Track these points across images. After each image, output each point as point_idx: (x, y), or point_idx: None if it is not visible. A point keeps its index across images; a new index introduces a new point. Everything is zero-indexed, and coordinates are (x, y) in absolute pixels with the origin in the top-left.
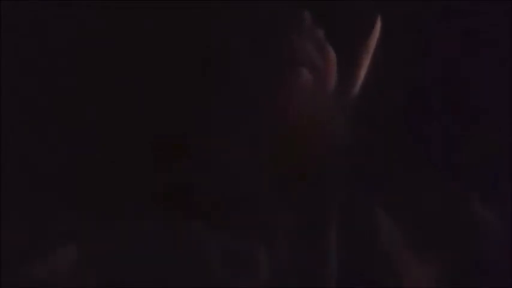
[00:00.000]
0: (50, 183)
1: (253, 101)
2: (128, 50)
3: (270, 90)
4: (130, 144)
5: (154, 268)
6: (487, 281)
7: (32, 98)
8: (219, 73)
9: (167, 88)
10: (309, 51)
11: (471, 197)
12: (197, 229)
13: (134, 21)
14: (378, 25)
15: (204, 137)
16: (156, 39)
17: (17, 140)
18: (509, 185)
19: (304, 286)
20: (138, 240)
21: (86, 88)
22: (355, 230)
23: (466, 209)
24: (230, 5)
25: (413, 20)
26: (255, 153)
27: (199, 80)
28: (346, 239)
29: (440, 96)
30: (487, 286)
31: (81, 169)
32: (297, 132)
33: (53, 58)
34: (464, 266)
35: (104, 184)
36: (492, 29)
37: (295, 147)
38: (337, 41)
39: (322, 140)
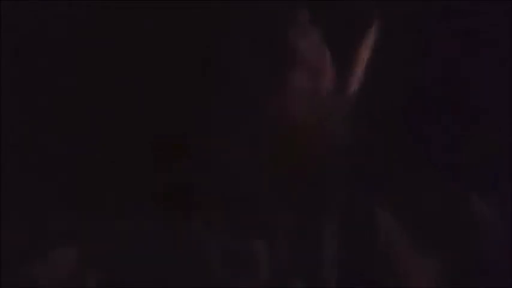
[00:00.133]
0: (50, 184)
1: (253, 101)
2: (127, 50)
3: (269, 90)
4: (130, 144)
5: (154, 268)
6: (487, 281)
7: (32, 98)
8: (219, 73)
9: (167, 88)
10: (307, 51)
11: (471, 197)
12: (197, 229)
13: (134, 21)
14: (376, 24)
15: (204, 137)
16: (156, 39)
17: (17, 140)
18: (509, 185)
19: (304, 286)
20: (138, 240)
21: (86, 88)
22: (355, 230)
23: (466, 209)
24: (229, 5)
25: (413, 20)
26: (255, 153)
27: (199, 80)
28: (346, 239)
29: (440, 96)
30: (487, 286)
31: (81, 169)
32: (297, 132)
33: (53, 58)
34: (464, 266)
35: (104, 184)
36: (492, 29)
37: (295, 147)
38: (335, 41)
39: (322, 140)
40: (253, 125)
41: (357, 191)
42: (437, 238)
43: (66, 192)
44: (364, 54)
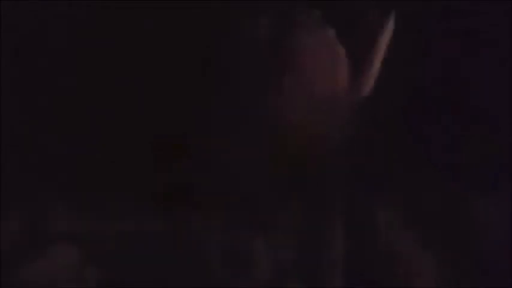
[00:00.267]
0: (50, 183)
1: (254, 101)
2: (127, 50)
3: (270, 91)
4: (130, 144)
5: (154, 268)
6: (487, 281)
7: (32, 98)
8: (219, 73)
9: (167, 88)
10: (318, 47)
11: (471, 197)
12: (197, 229)
13: (134, 21)
14: (391, 24)
15: (204, 137)
16: (156, 39)
17: (17, 140)
18: (509, 185)
19: (305, 286)
20: (138, 240)
21: (86, 88)
22: (355, 230)
23: (466, 209)
24: (229, 5)
25: (413, 20)
26: (255, 153)
27: (199, 80)
28: (346, 239)
29: (440, 96)
30: (487, 286)
31: (81, 169)
32: (297, 132)
33: (53, 58)
34: (464, 266)
35: (103, 184)
36: (492, 29)
37: (296, 147)
38: (349, 40)
39: (323, 139)
40: (253, 125)
41: (357, 191)
42: (437, 238)
43: (66, 192)
44: (378, 53)
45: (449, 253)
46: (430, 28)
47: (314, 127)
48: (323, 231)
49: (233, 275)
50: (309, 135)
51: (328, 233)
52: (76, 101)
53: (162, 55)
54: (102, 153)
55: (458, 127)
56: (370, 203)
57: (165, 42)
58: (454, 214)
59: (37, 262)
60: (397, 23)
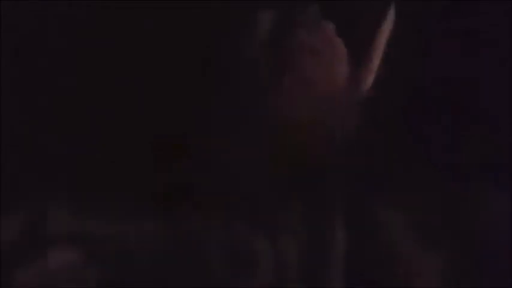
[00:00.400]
0: (50, 183)
1: (254, 101)
2: (128, 50)
3: (272, 90)
4: (130, 144)
5: (154, 268)
6: (487, 281)
7: (32, 98)
8: (219, 73)
9: (167, 88)
10: (318, 45)
11: (471, 197)
12: (197, 229)
13: (134, 21)
14: (391, 17)
15: (204, 137)
16: (156, 39)
17: (17, 140)
18: (509, 185)
19: (305, 286)
20: (138, 240)
21: (86, 88)
22: (355, 230)
23: (466, 209)
24: (229, 5)
25: (413, 20)
26: (255, 153)
27: (199, 80)
28: (347, 239)
29: (440, 96)
30: (487, 286)
31: (81, 169)
32: (298, 131)
33: (53, 58)
34: (464, 266)
35: (104, 184)
36: (492, 29)
37: (296, 147)
38: (348, 35)
39: (324, 139)
40: (253, 125)
41: (357, 191)
42: (437, 238)
43: (65, 192)
44: (377, 48)
45: (450, 253)
46: (430, 28)
47: (314, 127)
48: (323, 231)
49: (233, 275)
50: (309, 135)
51: (328, 233)
52: (76, 101)
53: (162, 55)
54: (102, 153)
55: (458, 127)
56: (370, 203)
57: (165, 42)
58: (454, 214)
59: (37, 262)
60: (397, 23)
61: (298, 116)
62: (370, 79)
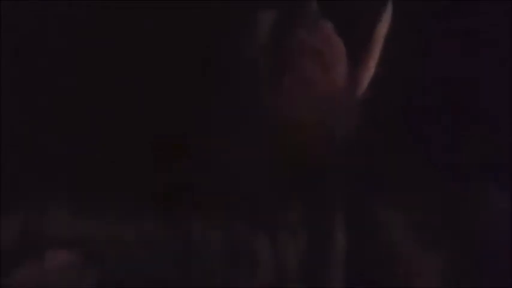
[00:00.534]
0: (50, 184)
1: (254, 101)
2: (127, 50)
3: (272, 90)
4: (130, 145)
5: (154, 268)
6: (487, 281)
7: (32, 98)
8: (219, 73)
9: (167, 88)
10: (318, 45)
11: (471, 197)
12: (197, 229)
13: (134, 21)
14: (387, 16)
15: (204, 137)
16: (156, 39)
17: (17, 140)
18: (509, 185)
19: (305, 286)
20: (138, 240)
21: (86, 88)
22: (355, 230)
23: (466, 209)
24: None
25: (413, 20)
26: (255, 153)
27: (199, 80)
28: (347, 239)
29: (440, 96)
30: (487, 286)
31: (81, 169)
32: (298, 131)
33: (53, 58)
34: (464, 266)
35: (103, 184)
36: (492, 29)
37: (296, 147)
38: (346, 35)
39: (324, 139)
40: (253, 125)
41: (358, 191)
42: (437, 238)
43: (65, 192)
44: (375, 46)
45: (450, 253)
46: (430, 28)
47: (314, 127)
48: (323, 231)
49: (233, 275)
50: (309, 135)
51: (328, 232)
52: (76, 101)
53: (162, 55)
54: (102, 154)
55: (458, 127)
56: (370, 203)
57: (165, 42)
58: (454, 214)
59: (37, 262)
60: (397, 23)
61: (298, 116)
62: (367, 78)
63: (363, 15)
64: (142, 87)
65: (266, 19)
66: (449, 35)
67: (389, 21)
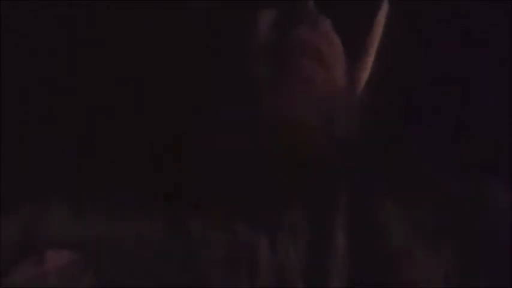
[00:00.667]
0: (50, 184)
1: (254, 100)
2: (127, 50)
3: (272, 85)
4: (130, 144)
5: (154, 268)
6: (487, 281)
7: (32, 98)
8: (219, 73)
9: (167, 88)
10: (317, 44)
11: (471, 197)
12: (197, 229)
13: (134, 22)
14: (383, 13)
15: (204, 137)
16: (156, 39)
17: (17, 140)
18: (510, 185)
19: (305, 286)
20: (138, 240)
21: (85, 88)
22: (355, 230)
23: (466, 209)
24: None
25: (413, 20)
26: (255, 153)
27: (199, 80)
28: (348, 239)
29: (440, 96)
30: (487, 286)
31: (81, 169)
32: (298, 131)
33: (53, 58)
34: (465, 266)
35: (103, 184)
36: (492, 29)
37: (296, 146)
38: (343, 33)
39: (324, 138)
40: (253, 124)
41: (358, 190)
42: (437, 238)
43: (65, 192)
44: (371, 44)
45: (450, 253)
46: (430, 28)
47: (314, 127)
48: (323, 231)
49: (233, 275)
50: (309, 135)
51: (328, 232)
52: (76, 101)
53: (161, 55)
54: (102, 153)
55: (458, 127)
56: (370, 203)
57: (165, 42)
58: (454, 214)
59: (37, 263)
60: (397, 23)
61: (298, 116)
62: (364, 77)
63: (358, 13)
64: (142, 87)
65: (266, 19)
66: (449, 35)
67: (385, 19)
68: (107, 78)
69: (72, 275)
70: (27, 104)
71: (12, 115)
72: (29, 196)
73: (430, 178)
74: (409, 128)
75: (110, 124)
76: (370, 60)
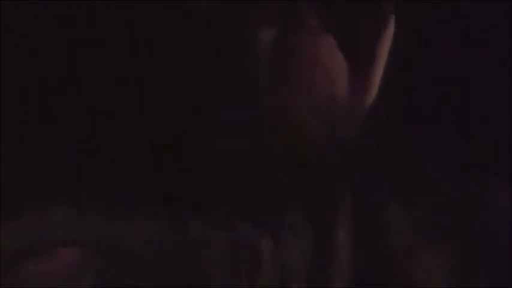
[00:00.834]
0: (49, 184)
1: (254, 100)
2: (127, 50)
3: (272, 85)
4: (130, 144)
5: (154, 268)
6: (487, 281)
7: (32, 98)
8: (219, 73)
9: (167, 88)
10: (315, 42)
11: (471, 198)
12: (197, 229)
13: (134, 22)
14: (391, 25)
15: (204, 137)
16: (155, 39)
17: (17, 141)
18: (509, 185)
19: (308, 286)
20: (138, 240)
21: (85, 88)
22: (357, 230)
23: (466, 209)
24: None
25: (414, 20)
26: (256, 153)
27: (199, 80)
28: (349, 239)
29: (440, 96)
30: (487, 286)
31: (81, 169)
32: (298, 131)
33: (53, 58)
34: (465, 266)
35: (103, 184)
36: (492, 29)
37: (296, 146)
38: (349, 43)
39: (324, 138)
40: (253, 124)
41: (359, 190)
42: (438, 238)
43: (65, 192)
44: (379, 56)
45: (450, 253)
46: (430, 28)
47: (314, 127)
48: (325, 230)
49: (234, 276)
50: (309, 135)
51: (330, 232)
52: (76, 101)
53: (161, 55)
54: (102, 153)
55: (458, 127)
56: (371, 203)
57: (165, 42)
58: (454, 214)
59: (36, 262)
60: (397, 23)
61: (298, 116)
62: (373, 91)
63: (365, 23)
64: (142, 87)
65: (266, 20)
66: (449, 35)
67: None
68: (107, 78)
69: (72, 274)
70: (27, 104)
71: (12, 115)
72: (28, 196)
73: (430, 178)
74: (409, 128)
75: (110, 124)
76: (378, 75)
